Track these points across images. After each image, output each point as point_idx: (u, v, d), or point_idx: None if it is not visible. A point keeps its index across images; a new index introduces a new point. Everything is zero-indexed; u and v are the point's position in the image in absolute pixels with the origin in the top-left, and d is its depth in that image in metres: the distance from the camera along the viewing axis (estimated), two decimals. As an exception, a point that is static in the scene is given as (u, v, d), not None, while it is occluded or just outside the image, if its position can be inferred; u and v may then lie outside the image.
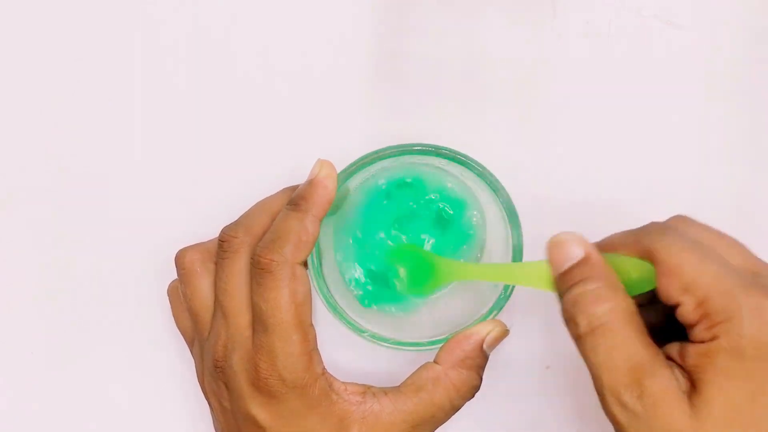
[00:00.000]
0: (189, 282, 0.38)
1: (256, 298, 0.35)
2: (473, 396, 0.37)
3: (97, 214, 0.44)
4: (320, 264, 0.38)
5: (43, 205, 0.44)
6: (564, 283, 0.32)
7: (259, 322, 0.35)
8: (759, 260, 0.32)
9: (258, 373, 0.35)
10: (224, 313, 0.36)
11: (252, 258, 0.35)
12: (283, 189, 0.38)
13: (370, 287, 0.40)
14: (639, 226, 0.33)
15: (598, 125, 0.43)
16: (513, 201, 0.37)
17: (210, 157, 0.44)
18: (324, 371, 0.36)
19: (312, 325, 0.36)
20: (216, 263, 0.37)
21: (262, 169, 0.43)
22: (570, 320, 0.32)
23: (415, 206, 0.40)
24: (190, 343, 0.40)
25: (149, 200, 0.44)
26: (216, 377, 0.36)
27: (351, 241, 0.39)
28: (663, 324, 0.32)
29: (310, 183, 0.36)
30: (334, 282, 0.39)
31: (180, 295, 0.39)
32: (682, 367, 0.30)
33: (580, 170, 0.43)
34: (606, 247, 0.33)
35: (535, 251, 0.37)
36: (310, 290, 0.36)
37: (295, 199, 0.36)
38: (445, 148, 0.37)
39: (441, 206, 0.40)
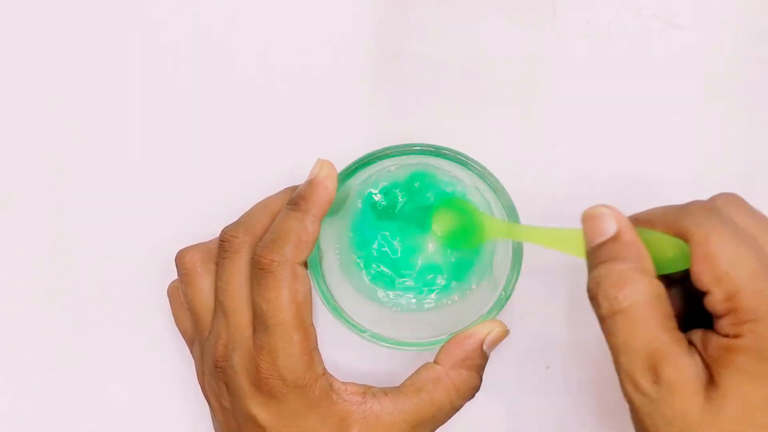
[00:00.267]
0: (190, 282, 0.38)
1: (256, 298, 0.35)
2: (473, 396, 0.37)
3: (97, 214, 0.44)
4: (320, 264, 0.38)
5: (43, 205, 0.44)
6: (594, 258, 0.32)
7: (259, 322, 0.35)
8: None
9: (259, 373, 0.35)
10: (225, 313, 0.36)
11: (252, 258, 0.35)
12: (284, 189, 0.38)
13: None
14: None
15: (598, 125, 0.43)
16: (513, 201, 0.37)
17: (210, 157, 0.44)
18: (325, 371, 0.36)
19: (313, 324, 0.36)
20: (217, 263, 0.37)
21: (262, 169, 0.43)
22: (593, 299, 0.31)
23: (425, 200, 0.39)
24: (190, 344, 0.40)
25: (149, 200, 0.44)
26: (216, 377, 0.36)
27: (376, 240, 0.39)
28: (698, 305, 0.31)
29: (310, 183, 0.36)
30: (334, 282, 0.39)
31: (180, 295, 0.39)
32: (702, 356, 0.30)
33: (580, 170, 0.43)
34: (644, 222, 0.32)
35: (535, 251, 0.37)
36: (311, 290, 0.36)
37: (295, 198, 0.36)
38: (445, 148, 0.37)
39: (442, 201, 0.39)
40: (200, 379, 0.38)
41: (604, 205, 0.32)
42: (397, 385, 0.36)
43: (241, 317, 0.36)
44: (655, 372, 0.29)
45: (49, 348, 0.44)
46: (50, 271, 0.44)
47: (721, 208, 0.31)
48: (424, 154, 0.38)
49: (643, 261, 0.31)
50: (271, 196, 0.38)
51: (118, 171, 0.44)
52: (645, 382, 0.29)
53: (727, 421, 0.28)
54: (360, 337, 0.38)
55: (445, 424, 0.37)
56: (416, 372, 0.37)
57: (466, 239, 0.39)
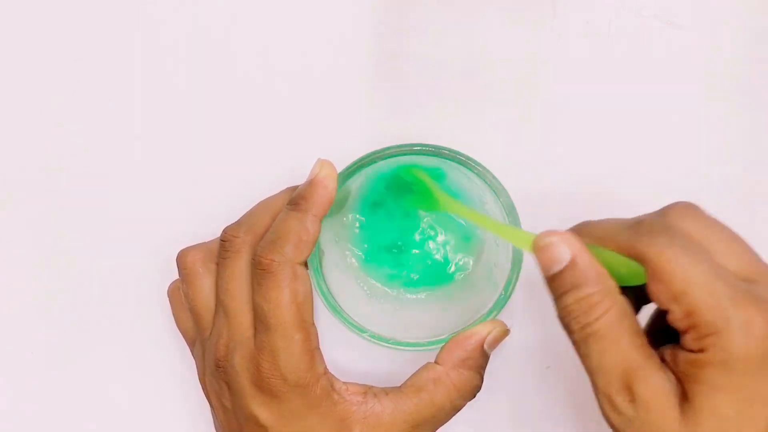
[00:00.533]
0: (191, 282, 0.38)
1: (257, 298, 0.35)
2: (474, 396, 0.37)
3: (97, 214, 0.44)
4: (320, 264, 0.38)
5: (43, 205, 0.44)
6: (556, 288, 0.32)
7: (260, 321, 0.35)
8: (759, 262, 0.31)
9: (260, 373, 0.35)
10: (226, 313, 0.36)
11: (253, 258, 0.35)
12: (285, 189, 0.38)
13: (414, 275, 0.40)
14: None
15: (598, 125, 0.43)
16: (513, 201, 0.37)
17: (210, 157, 0.44)
18: (326, 371, 0.36)
19: (314, 324, 0.36)
20: (217, 263, 0.37)
21: (262, 169, 0.43)
22: (565, 326, 0.31)
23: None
24: (191, 344, 0.40)
25: (149, 200, 0.44)
26: (217, 377, 0.36)
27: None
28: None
29: (311, 183, 0.36)
30: (334, 282, 0.39)
31: (181, 295, 0.39)
32: (674, 371, 0.30)
33: (580, 170, 0.43)
34: (597, 239, 0.32)
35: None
36: (311, 290, 0.36)
37: (295, 198, 0.36)
38: (445, 148, 0.37)
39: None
40: (201, 378, 0.38)
41: (551, 232, 0.32)
42: (398, 385, 0.36)
43: (243, 317, 0.36)
44: (630, 391, 0.29)
45: (49, 348, 0.44)
46: (50, 271, 0.44)
47: (672, 223, 0.31)
48: (424, 154, 0.38)
49: (604, 281, 0.31)
50: (272, 196, 0.38)
51: (118, 171, 0.44)
52: (621, 401, 0.30)
53: None
54: (360, 337, 0.38)
55: (445, 424, 0.37)
56: (417, 372, 0.37)
57: (425, 204, 0.39)
